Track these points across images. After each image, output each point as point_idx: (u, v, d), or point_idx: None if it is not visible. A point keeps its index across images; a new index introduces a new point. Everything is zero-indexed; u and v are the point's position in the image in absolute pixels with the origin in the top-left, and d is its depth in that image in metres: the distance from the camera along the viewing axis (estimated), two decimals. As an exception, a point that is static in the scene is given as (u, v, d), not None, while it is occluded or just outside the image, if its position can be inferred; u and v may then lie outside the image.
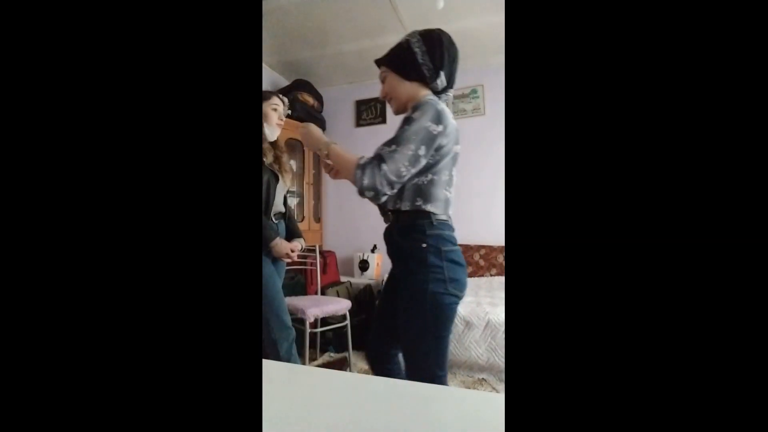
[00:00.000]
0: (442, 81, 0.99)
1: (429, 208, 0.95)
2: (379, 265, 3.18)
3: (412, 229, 0.96)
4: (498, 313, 2.07)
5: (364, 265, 3.15)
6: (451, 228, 1.00)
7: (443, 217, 0.98)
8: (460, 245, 1.03)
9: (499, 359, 2.01)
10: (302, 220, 3.16)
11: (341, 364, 2.31)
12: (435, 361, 0.97)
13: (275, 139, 1.54)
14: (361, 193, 0.90)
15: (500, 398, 0.43)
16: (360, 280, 3.05)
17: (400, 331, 1.01)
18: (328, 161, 0.98)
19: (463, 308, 2.16)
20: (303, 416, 0.42)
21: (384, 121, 3.38)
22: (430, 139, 0.90)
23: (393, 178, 0.88)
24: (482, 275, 2.92)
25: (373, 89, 3.43)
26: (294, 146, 3.13)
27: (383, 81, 1.05)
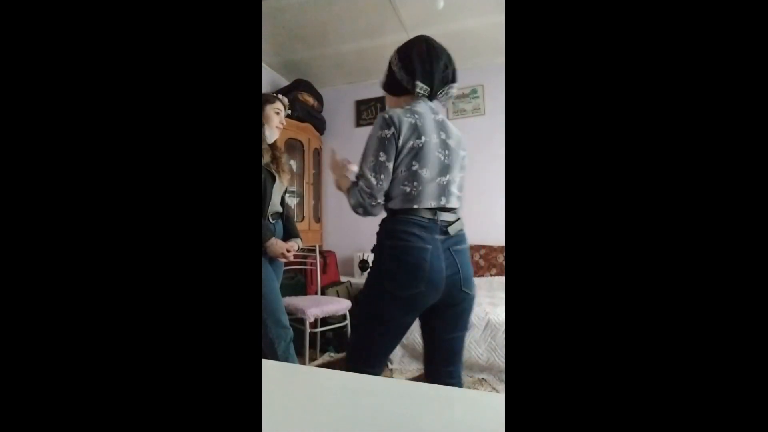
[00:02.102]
0: (421, 87, 1.03)
1: (390, 205, 1.03)
2: (379, 265, 3.17)
3: (380, 227, 1.05)
4: (498, 313, 2.07)
5: (364, 265, 3.15)
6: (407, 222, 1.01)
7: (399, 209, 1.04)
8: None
9: (499, 359, 2.01)
10: (302, 220, 3.16)
11: (341, 364, 2.31)
12: (373, 359, 1.04)
13: (274, 141, 1.54)
14: (355, 211, 1.04)
15: (500, 398, 0.43)
16: (360, 280, 3.05)
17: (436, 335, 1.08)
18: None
19: (463, 308, 2.16)
20: (303, 416, 0.42)
21: (384, 121, 3.38)
22: (384, 144, 0.99)
23: (368, 189, 0.99)
24: (482, 275, 2.92)
25: (373, 89, 3.43)
26: (294, 146, 3.13)
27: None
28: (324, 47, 2.94)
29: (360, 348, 1.07)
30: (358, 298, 1.11)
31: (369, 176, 0.98)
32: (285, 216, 1.63)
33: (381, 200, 1.01)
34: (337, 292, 2.65)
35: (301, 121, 3.14)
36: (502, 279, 2.80)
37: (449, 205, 1.03)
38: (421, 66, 1.03)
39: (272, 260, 1.52)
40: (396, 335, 1.05)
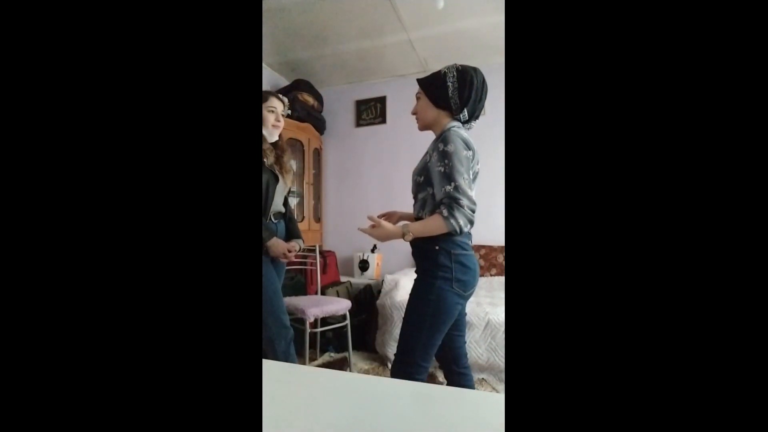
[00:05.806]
0: (464, 115, 1.16)
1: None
2: (379, 265, 3.17)
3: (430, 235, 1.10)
4: (498, 313, 2.07)
5: (364, 265, 3.15)
6: (464, 235, 1.12)
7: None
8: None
9: (499, 359, 2.01)
10: (302, 220, 3.16)
11: (341, 364, 2.31)
12: (422, 351, 1.09)
13: (275, 140, 1.53)
14: (461, 231, 1.06)
15: (500, 398, 0.43)
16: (360, 280, 3.05)
17: (403, 319, 1.14)
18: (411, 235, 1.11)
19: (463, 308, 2.16)
20: (303, 416, 0.42)
21: (384, 121, 3.38)
22: (469, 164, 1.09)
23: (473, 206, 1.05)
24: (482, 275, 2.92)
25: (373, 89, 3.43)
26: (294, 146, 3.13)
27: (418, 99, 1.22)
28: (324, 47, 2.94)
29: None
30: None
31: (469, 192, 1.05)
32: (288, 217, 1.63)
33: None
34: (337, 292, 2.65)
35: (301, 121, 3.13)
36: (502, 279, 2.80)
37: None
38: (474, 97, 1.13)
39: (274, 260, 1.52)
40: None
